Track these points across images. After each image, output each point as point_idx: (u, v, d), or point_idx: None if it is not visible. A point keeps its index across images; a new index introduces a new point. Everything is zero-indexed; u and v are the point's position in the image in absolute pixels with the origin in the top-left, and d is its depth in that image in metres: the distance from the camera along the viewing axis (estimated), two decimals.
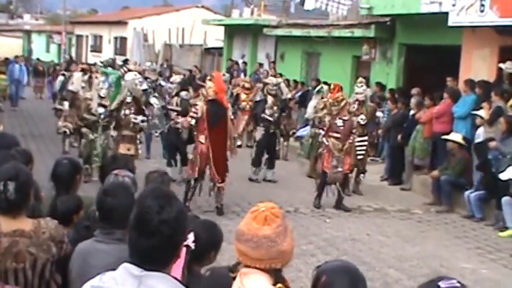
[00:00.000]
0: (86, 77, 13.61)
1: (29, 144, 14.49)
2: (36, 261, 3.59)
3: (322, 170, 11.60)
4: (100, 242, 3.56)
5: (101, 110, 12.36)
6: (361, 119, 12.51)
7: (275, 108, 13.56)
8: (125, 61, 26.68)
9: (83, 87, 13.35)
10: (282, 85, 14.45)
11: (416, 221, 11.30)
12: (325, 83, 16.26)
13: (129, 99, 11.31)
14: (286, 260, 2.97)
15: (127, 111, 11.32)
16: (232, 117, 11.19)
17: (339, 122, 11.49)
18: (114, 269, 2.63)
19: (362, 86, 12.92)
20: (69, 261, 3.70)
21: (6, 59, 31.41)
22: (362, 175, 12.92)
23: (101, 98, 12.51)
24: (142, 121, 11.38)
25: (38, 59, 35.82)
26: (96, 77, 13.54)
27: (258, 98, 15.14)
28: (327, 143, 11.54)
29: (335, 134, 11.48)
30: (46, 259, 3.61)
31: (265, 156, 13.72)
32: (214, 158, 10.52)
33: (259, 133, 13.71)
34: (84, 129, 12.77)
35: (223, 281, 3.20)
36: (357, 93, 12.80)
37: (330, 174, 11.40)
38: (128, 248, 2.61)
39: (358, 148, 12.51)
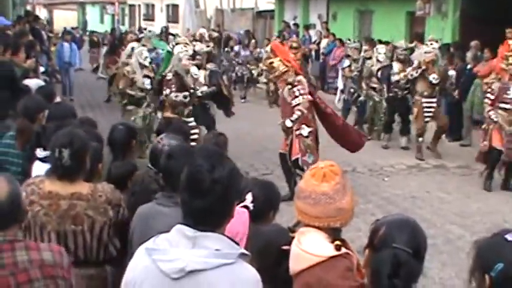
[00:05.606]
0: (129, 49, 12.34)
1: (87, 113, 14.67)
2: (94, 223, 3.65)
3: (492, 147, 10.17)
4: (160, 205, 3.62)
5: (148, 81, 11.38)
6: (433, 78, 11.90)
7: (402, 74, 12.66)
8: (165, 30, 26.73)
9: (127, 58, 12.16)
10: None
11: (477, 176, 11.06)
12: (380, 41, 15.94)
13: (169, 76, 10.20)
14: (345, 218, 2.94)
15: (167, 91, 10.14)
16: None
17: (510, 90, 10.00)
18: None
19: (432, 44, 12.34)
20: (126, 226, 3.75)
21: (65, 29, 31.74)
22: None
23: (145, 67, 11.47)
24: (185, 97, 10.08)
25: (92, 31, 36.00)
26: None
27: (385, 63, 13.64)
28: (495, 118, 10.07)
29: (504, 105, 10.06)
30: (103, 222, 3.67)
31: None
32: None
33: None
34: (130, 107, 11.65)
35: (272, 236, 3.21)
36: (425, 53, 12.21)
37: (506, 151, 10.08)
38: (181, 209, 2.59)
39: (427, 110, 12.14)
